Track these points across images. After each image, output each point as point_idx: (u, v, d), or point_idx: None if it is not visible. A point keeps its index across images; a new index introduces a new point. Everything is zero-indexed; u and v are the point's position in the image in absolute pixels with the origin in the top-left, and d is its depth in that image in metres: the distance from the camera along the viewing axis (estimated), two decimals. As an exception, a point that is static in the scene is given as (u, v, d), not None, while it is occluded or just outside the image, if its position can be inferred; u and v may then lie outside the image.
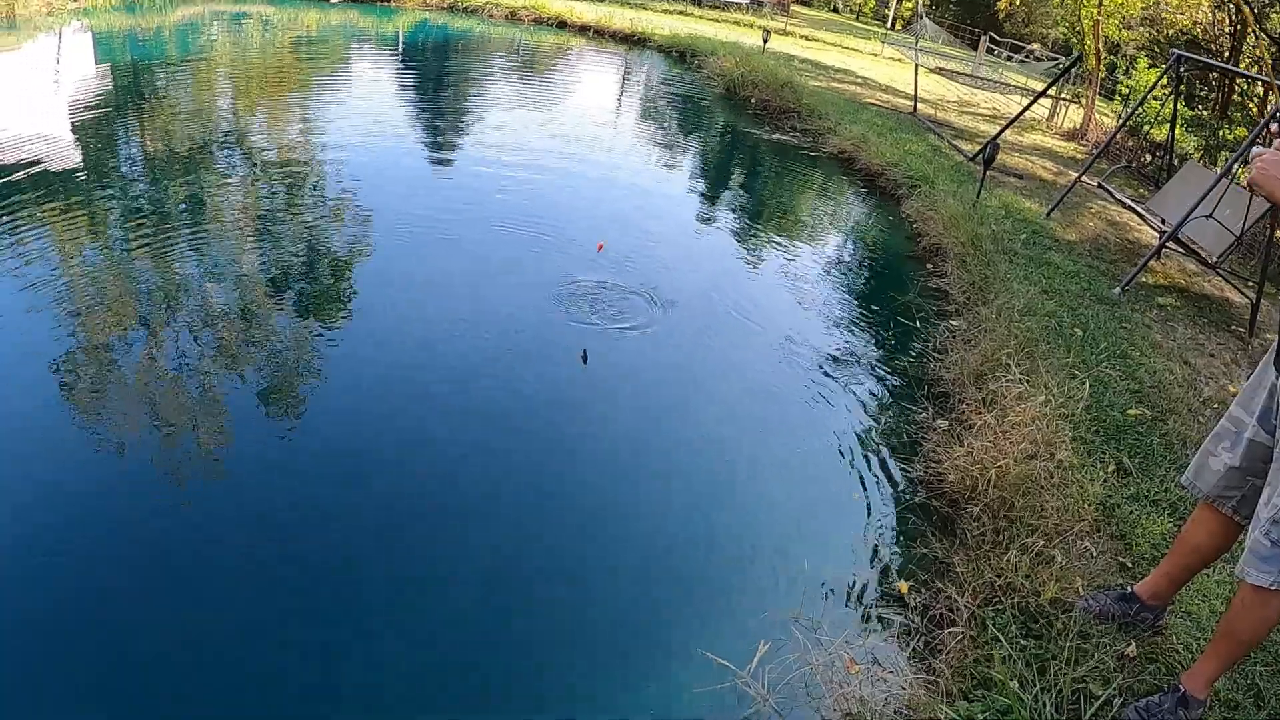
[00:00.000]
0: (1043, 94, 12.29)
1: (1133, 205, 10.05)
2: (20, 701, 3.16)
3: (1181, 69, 10.80)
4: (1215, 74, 22.50)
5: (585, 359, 5.86)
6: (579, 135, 12.71)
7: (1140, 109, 13.46)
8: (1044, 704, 3.03)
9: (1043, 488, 4.38)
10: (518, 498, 4.67)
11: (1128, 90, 17.44)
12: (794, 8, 38.69)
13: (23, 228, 7.10)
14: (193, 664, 3.39)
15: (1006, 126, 12.24)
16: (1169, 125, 14.97)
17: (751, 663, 3.37)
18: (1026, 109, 12.36)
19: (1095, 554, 4.06)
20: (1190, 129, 15.71)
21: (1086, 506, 4.39)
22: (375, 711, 3.30)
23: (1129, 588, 3.68)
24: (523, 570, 4.18)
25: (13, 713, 3.12)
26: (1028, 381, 5.45)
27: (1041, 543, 3.94)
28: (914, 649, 3.70)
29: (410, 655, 3.55)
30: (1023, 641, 3.43)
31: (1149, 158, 14.81)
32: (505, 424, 5.21)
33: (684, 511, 4.73)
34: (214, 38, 16.97)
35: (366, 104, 13.34)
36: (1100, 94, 22.27)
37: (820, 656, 3.50)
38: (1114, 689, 3.22)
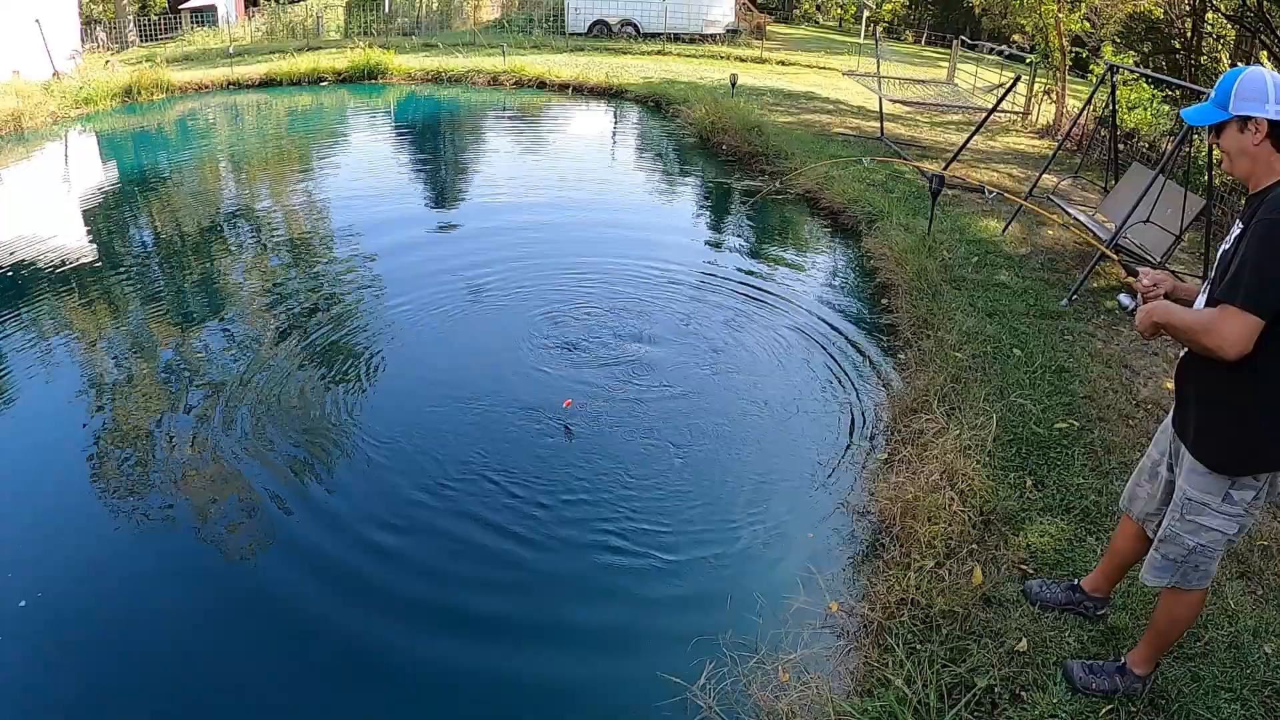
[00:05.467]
0: (991, 113, 12.84)
1: (1078, 217, 10.69)
2: None
3: (1114, 78, 11.45)
4: (1180, 54, 23.22)
5: (569, 432, 6.62)
6: (561, 197, 13.65)
7: (1089, 108, 14.02)
8: (928, 694, 3.84)
9: (941, 516, 5.18)
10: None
11: (1097, 78, 17.97)
12: (771, 28, 39.12)
13: (40, 323, 8.15)
14: None
15: (955, 156, 12.79)
16: (1136, 111, 15.63)
17: (700, 679, 4.22)
18: (977, 130, 12.92)
19: (988, 569, 4.88)
20: (1166, 103, 16.29)
21: (995, 524, 5.22)
22: None
23: (1077, 580, 4.57)
24: (518, 602, 5.00)
25: None
26: (947, 416, 6.23)
27: (932, 564, 4.77)
28: (835, 658, 4.53)
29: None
30: (916, 646, 4.24)
31: (1121, 147, 15.34)
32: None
33: (645, 546, 5.46)
34: (214, 127, 17.94)
35: (370, 176, 14.54)
36: (1078, 77, 22.85)
37: (758, 669, 4.33)
38: (993, 678, 4.04)
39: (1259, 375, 3.21)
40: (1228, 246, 3.29)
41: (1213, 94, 3.33)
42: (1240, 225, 3.25)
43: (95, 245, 10.46)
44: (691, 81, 22.48)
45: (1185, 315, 3.29)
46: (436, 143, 17.67)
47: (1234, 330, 3.05)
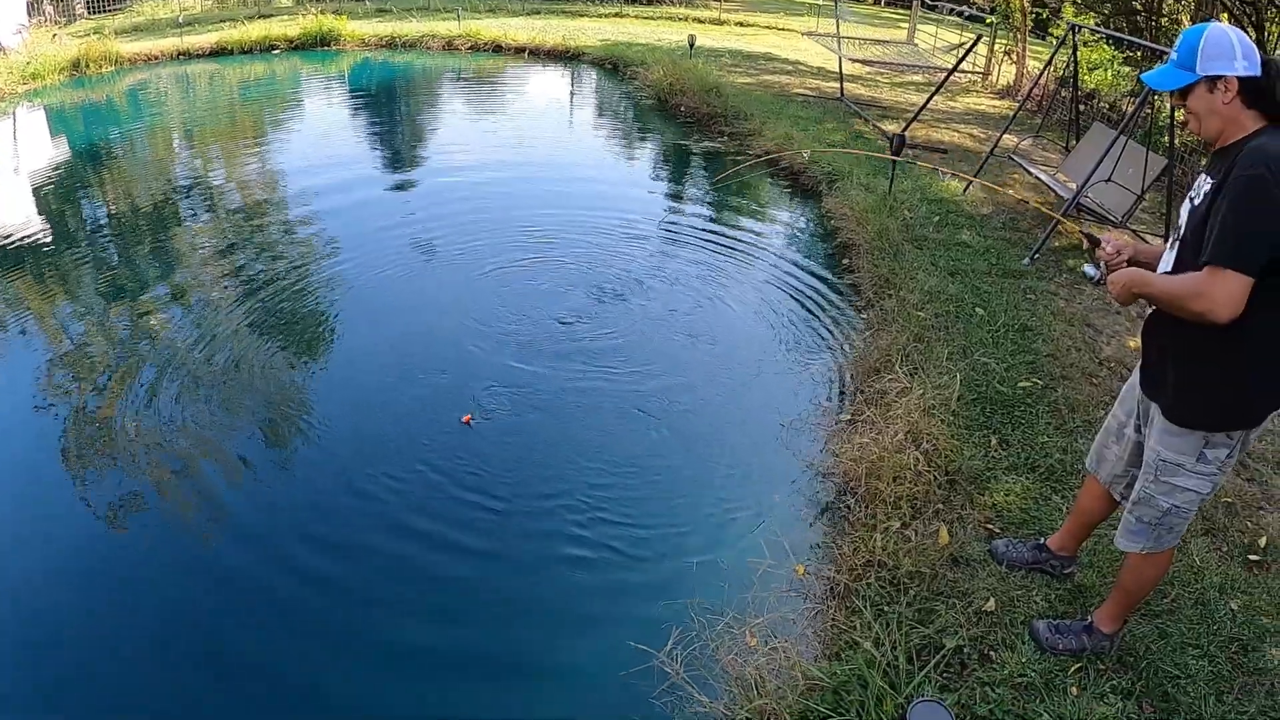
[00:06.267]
0: (952, 73, 12.71)
1: (1039, 177, 10.71)
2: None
3: (1075, 37, 11.44)
4: (1141, 15, 23.19)
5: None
6: (518, 159, 13.49)
7: (1053, 65, 14.01)
8: (897, 657, 3.79)
9: (906, 476, 5.15)
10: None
11: (1057, 39, 17.95)
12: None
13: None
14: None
15: (915, 115, 12.62)
16: (1097, 72, 15.59)
17: (667, 645, 4.18)
18: (938, 90, 12.80)
19: (955, 529, 4.87)
20: (1126, 65, 16.30)
21: (960, 484, 5.20)
22: None
23: (1043, 539, 4.56)
24: (480, 586, 4.91)
25: None
26: (910, 376, 6.20)
27: (898, 525, 4.73)
28: (803, 621, 4.49)
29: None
30: (884, 608, 4.21)
31: (1081, 108, 15.33)
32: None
33: (603, 516, 5.39)
34: (165, 98, 17.56)
35: (324, 142, 14.29)
36: (1038, 38, 22.80)
37: (725, 634, 4.29)
38: (961, 639, 4.01)
39: (1247, 333, 3.10)
40: (1199, 203, 3.18)
41: (1174, 55, 3.23)
42: (1210, 180, 3.16)
43: (46, 221, 10.19)
44: (649, 43, 22.24)
45: (1168, 283, 3.19)
46: (391, 108, 17.43)
47: (1225, 292, 2.96)
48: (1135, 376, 3.74)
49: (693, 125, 15.63)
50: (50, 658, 4.36)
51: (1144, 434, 3.64)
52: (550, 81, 20.42)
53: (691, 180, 13.20)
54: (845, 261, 9.23)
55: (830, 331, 7.80)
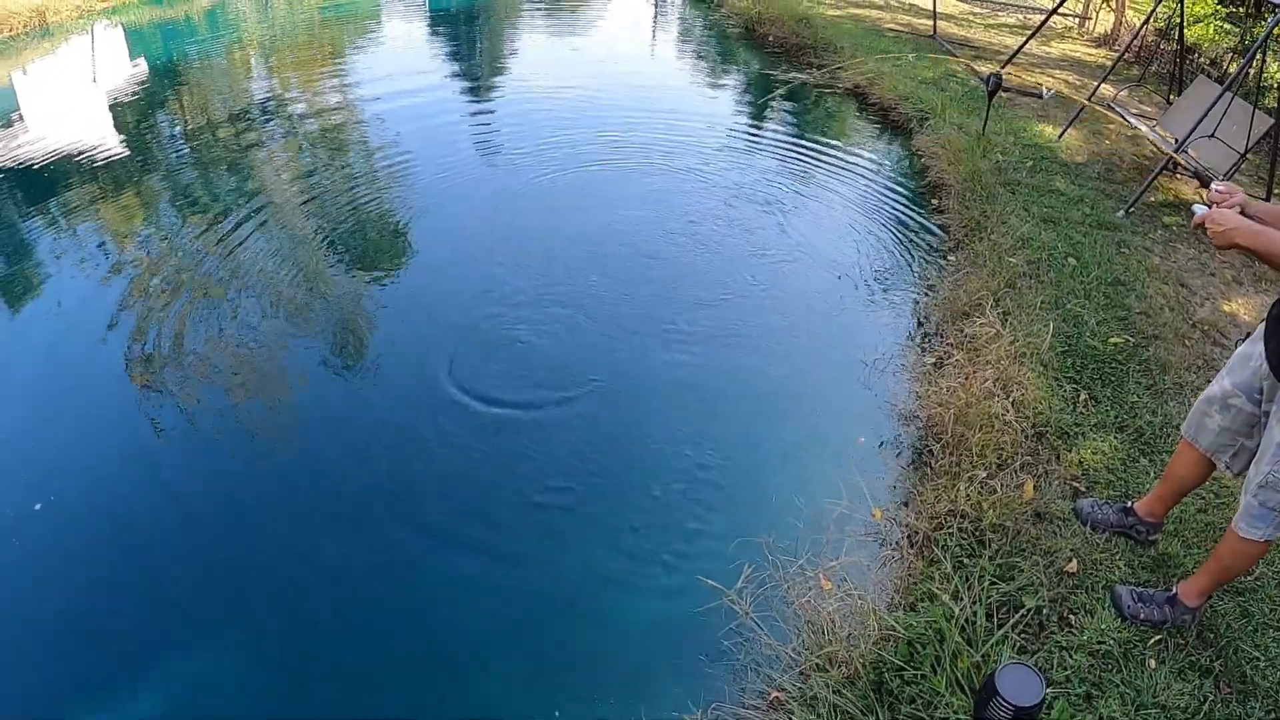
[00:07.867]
0: (1052, 14, 12.30)
1: (1138, 126, 10.30)
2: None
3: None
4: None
5: None
6: (600, 84, 13.20)
7: (1154, 16, 13.46)
8: (976, 613, 3.64)
9: (994, 425, 4.96)
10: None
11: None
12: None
13: (65, 216, 7.95)
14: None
15: (1012, 57, 12.26)
16: (1199, 26, 14.94)
17: (737, 584, 4.07)
18: (1036, 31, 12.34)
19: (1040, 484, 4.67)
20: (1230, 21, 15.60)
21: (1049, 436, 5.00)
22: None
23: (1130, 503, 4.33)
24: (549, 517, 4.83)
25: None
26: (1001, 322, 5.98)
27: (983, 474, 4.55)
28: (879, 569, 4.36)
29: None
30: (964, 560, 4.05)
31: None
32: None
33: (683, 450, 5.28)
34: (242, 16, 17.46)
35: (403, 60, 14.23)
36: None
37: (797, 577, 4.18)
38: (1041, 599, 3.85)
39: None
40: None
41: None
42: None
43: (122, 136, 10.24)
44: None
45: None
46: (472, 28, 17.27)
47: None
48: (1247, 347, 3.53)
49: (780, 56, 15.24)
50: (103, 564, 4.44)
51: (1264, 409, 3.42)
52: (635, 5, 20.07)
53: (779, 109, 12.85)
54: (935, 201, 8.97)
55: (917, 271, 7.61)
